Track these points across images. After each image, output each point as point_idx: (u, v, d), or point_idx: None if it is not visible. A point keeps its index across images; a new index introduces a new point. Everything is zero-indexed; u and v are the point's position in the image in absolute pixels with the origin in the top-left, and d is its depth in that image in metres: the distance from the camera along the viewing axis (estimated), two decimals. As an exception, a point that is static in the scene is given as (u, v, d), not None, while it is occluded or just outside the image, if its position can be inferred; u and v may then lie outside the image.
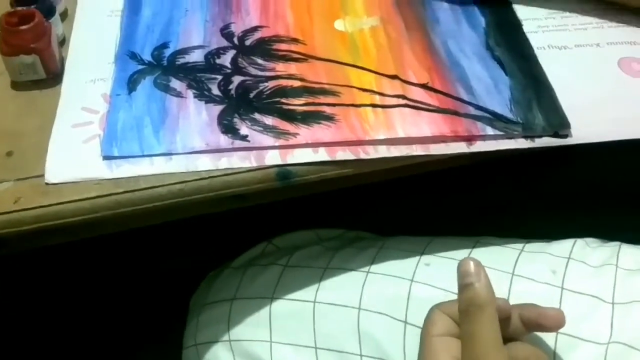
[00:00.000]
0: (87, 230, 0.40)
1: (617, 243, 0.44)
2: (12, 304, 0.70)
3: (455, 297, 0.41)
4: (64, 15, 0.49)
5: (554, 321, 0.35)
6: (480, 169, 0.45)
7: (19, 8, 0.44)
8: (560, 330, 0.37)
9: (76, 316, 0.71)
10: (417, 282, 0.42)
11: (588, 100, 0.44)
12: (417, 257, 0.44)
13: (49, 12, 0.45)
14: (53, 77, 0.45)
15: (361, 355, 0.42)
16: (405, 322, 0.41)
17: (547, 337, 0.39)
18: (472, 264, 0.34)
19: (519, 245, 0.44)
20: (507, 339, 0.36)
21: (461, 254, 0.43)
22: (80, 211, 0.38)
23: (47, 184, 0.39)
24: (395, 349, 0.41)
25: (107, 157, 0.40)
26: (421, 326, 0.37)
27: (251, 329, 0.44)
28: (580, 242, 0.44)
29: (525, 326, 0.36)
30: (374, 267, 0.44)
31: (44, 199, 0.38)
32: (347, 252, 0.47)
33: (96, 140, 0.41)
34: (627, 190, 0.53)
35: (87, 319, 0.71)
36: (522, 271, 0.42)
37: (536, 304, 0.37)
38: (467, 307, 0.33)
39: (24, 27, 0.43)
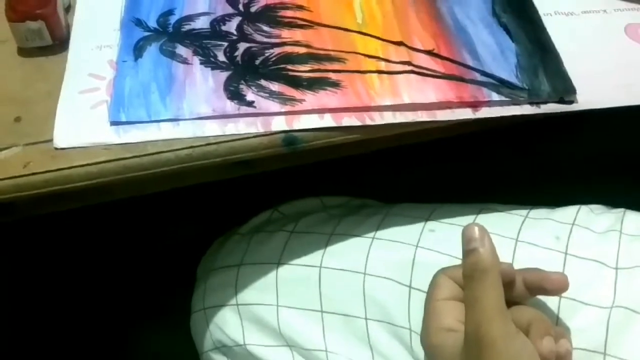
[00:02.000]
0: (96, 196, 0.41)
1: (622, 209, 0.44)
2: (21, 270, 0.71)
3: (459, 262, 0.41)
4: (69, -18, 0.49)
5: (557, 285, 0.36)
6: (485, 138, 0.45)
7: (24, -26, 0.44)
8: (564, 295, 0.37)
9: (83, 283, 0.72)
10: (422, 247, 0.43)
11: (594, 67, 0.44)
12: (422, 224, 0.44)
13: (54, -22, 0.45)
14: (59, 43, 0.45)
15: (366, 319, 0.43)
16: (410, 287, 0.42)
17: (550, 301, 0.39)
18: (476, 229, 0.34)
19: (523, 212, 0.44)
20: (511, 302, 0.36)
21: (466, 220, 0.44)
22: (89, 175, 0.38)
23: (55, 148, 0.39)
24: (400, 312, 0.42)
25: (114, 123, 0.41)
26: (426, 291, 0.38)
27: (258, 293, 0.45)
28: (584, 208, 0.44)
29: (528, 290, 0.37)
30: (379, 233, 0.45)
31: (53, 164, 0.38)
32: (353, 219, 0.47)
33: (103, 106, 0.42)
34: (632, 158, 0.53)
35: (94, 286, 0.72)
36: (526, 237, 0.42)
37: (538, 268, 0.37)
38: (472, 271, 0.34)
39: (29, -8, 0.43)
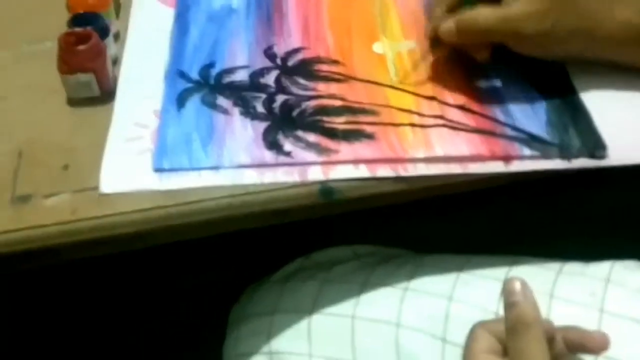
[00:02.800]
0: (138, 241, 0.42)
1: (655, 265, 0.44)
2: (53, 313, 0.72)
3: (493, 315, 0.41)
4: (117, 37, 0.51)
5: (599, 343, 0.36)
6: (515, 190, 0.46)
7: (77, 29, 0.46)
8: (601, 354, 0.37)
9: (117, 326, 0.72)
10: (455, 300, 0.43)
11: (625, 121, 0.45)
12: (455, 275, 0.45)
13: (104, 32, 0.48)
14: (107, 94, 0.47)
15: None
16: (444, 340, 0.42)
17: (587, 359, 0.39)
18: (518, 283, 0.34)
19: (557, 266, 0.44)
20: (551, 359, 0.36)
21: (499, 272, 0.44)
22: (133, 222, 0.40)
23: (101, 194, 0.41)
24: (433, 366, 0.42)
25: (158, 170, 0.42)
26: (460, 344, 0.38)
27: (290, 342, 0.45)
28: (618, 264, 0.44)
29: (568, 348, 0.36)
30: (412, 284, 0.45)
31: (99, 210, 0.40)
32: (385, 268, 0.47)
33: (148, 154, 0.43)
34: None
35: (128, 330, 0.72)
36: (561, 293, 0.42)
37: (578, 326, 0.37)
38: (515, 324, 0.34)
39: (81, 47, 0.45)
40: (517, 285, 0.34)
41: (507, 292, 0.34)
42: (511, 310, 0.34)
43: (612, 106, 0.46)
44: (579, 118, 0.45)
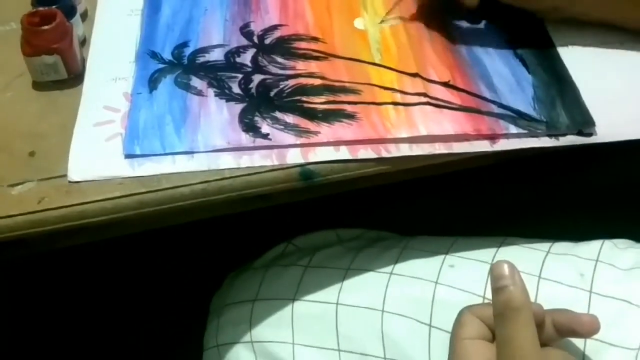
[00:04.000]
0: (110, 230, 0.40)
1: (646, 243, 0.43)
2: (33, 305, 0.70)
3: (480, 300, 0.40)
4: (84, 16, 0.49)
5: (588, 327, 0.35)
6: (502, 169, 0.45)
7: (40, 8, 0.44)
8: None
9: (94, 317, 0.71)
10: (441, 284, 0.42)
11: (613, 99, 0.43)
12: (441, 258, 0.44)
13: (70, 12, 0.45)
14: (74, 77, 0.45)
15: (385, 358, 0.42)
16: (430, 326, 0.41)
17: (576, 342, 0.38)
18: (506, 266, 0.34)
19: (545, 247, 0.43)
20: (540, 344, 0.35)
21: (486, 255, 0.43)
22: (103, 211, 0.38)
23: (69, 182, 0.39)
24: (420, 352, 0.41)
25: (129, 156, 0.40)
26: (446, 330, 0.37)
27: (273, 330, 0.44)
28: (608, 243, 0.43)
29: (557, 332, 0.36)
30: (397, 268, 0.44)
31: (68, 199, 0.38)
32: (369, 253, 0.46)
33: (118, 138, 0.41)
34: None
35: (105, 319, 0.71)
36: (549, 274, 0.41)
37: (567, 308, 0.36)
38: (503, 310, 0.33)
39: (45, 27, 0.43)
40: (505, 269, 0.33)
41: (495, 276, 0.33)
42: (499, 295, 0.33)
43: (598, 81, 0.44)
44: (567, 92, 0.44)
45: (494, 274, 0.33)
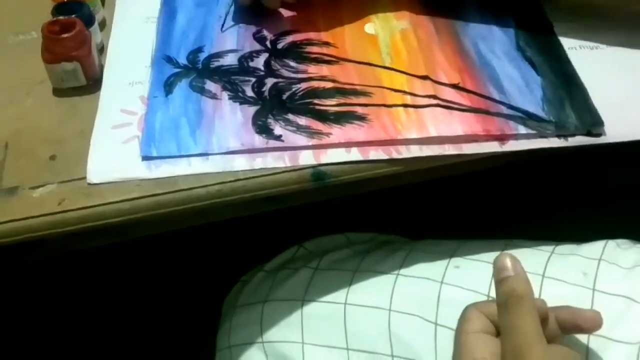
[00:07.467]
0: (127, 232, 0.41)
1: (649, 243, 0.43)
2: (45, 305, 0.71)
3: (485, 298, 0.41)
4: (102, 24, 0.50)
5: (591, 322, 0.35)
6: (510, 171, 0.45)
7: (60, 17, 0.46)
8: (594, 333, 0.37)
9: (107, 319, 0.72)
10: (447, 284, 0.42)
11: (621, 99, 0.44)
12: (447, 260, 0.44)
13: (89, 21, 0.47)
14: (93, 83, 0.46)
15: (392, 356, 0.42)
16: (436, 324, 0.41)
17: (579, 339, 0.38)
18: (507, 258, 0.34)
19: (549, 248, 0.44)
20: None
21: (491, 256, 0.43)
22: (121, 212, 0.39)
23: (89, 184, 0.40)
24: (426, 350, 0.41)
25: (146, 158, 0.41)
26: (452, 327, 0.37)
27: (283, 331, 0.45)
28: (611, 243, 0.43)
29: (561, 328, 0.36)
30: (404, 270, 0.44)
31: (87, 200, 0.39)
32: (377, 255, 0.47)
33: (135, 141, 0.42)
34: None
35: (118, 321, 0.72)
36: (553, 273, 0.41)
37: (570, 305, 0.37)
38: (506, 299, 0.33)
39: (65, 35, 0.44)
40: (508, 261, 0.34)
41: (497, 268, 0.34)
42: (502, 286, 0.34)
43: (607, 81, 0.45)
44: (575, 93, 0.44)
45: (497, 266, 0.34)
